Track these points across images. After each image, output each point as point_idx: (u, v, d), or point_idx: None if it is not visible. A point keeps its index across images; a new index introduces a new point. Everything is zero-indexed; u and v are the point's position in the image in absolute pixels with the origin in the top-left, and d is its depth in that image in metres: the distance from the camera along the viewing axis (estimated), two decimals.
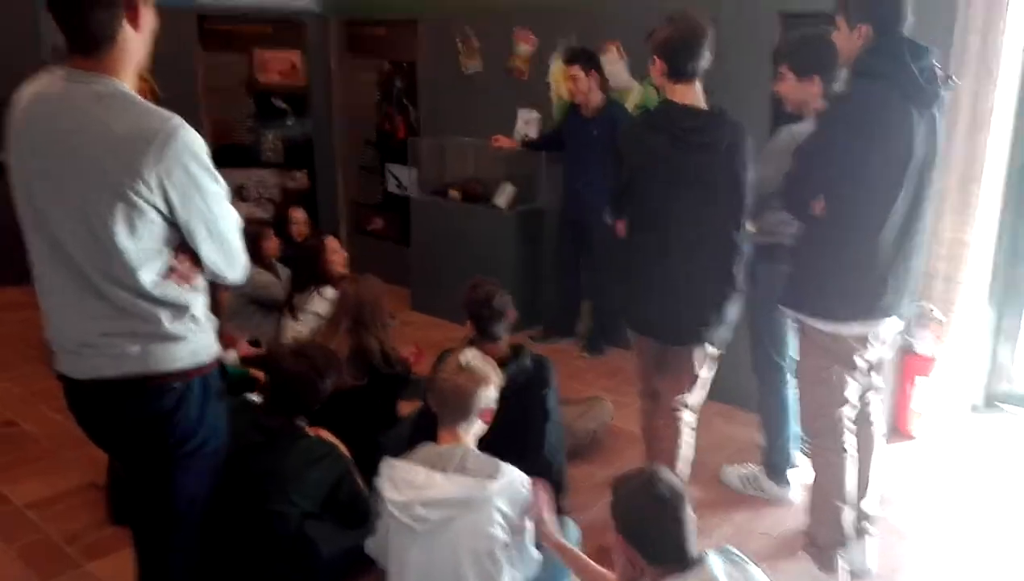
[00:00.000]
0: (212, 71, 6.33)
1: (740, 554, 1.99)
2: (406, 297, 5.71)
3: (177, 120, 1.75)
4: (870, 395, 2.86)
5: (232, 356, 3.81)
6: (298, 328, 3.78)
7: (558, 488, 3.01)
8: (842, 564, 2.73)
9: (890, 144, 2.45)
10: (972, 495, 3.45)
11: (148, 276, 1.79)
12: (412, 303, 5.57)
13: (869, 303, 2.59)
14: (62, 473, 3.46)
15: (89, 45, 1.73)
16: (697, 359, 2.82)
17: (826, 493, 2.75)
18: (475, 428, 2.38)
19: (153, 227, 1.77)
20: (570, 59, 4.56)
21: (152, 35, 1.84)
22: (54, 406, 4.06)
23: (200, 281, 1.92)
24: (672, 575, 1.85)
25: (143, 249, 1.77)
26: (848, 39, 2.52)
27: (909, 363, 3.84)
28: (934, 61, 2.46)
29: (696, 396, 2.92)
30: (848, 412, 2.73)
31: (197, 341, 1.91)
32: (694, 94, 2.65)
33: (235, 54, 6.39)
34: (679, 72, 2.63)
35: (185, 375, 1.89)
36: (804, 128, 2.87)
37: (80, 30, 1.72)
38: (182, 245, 1.83)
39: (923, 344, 3.80)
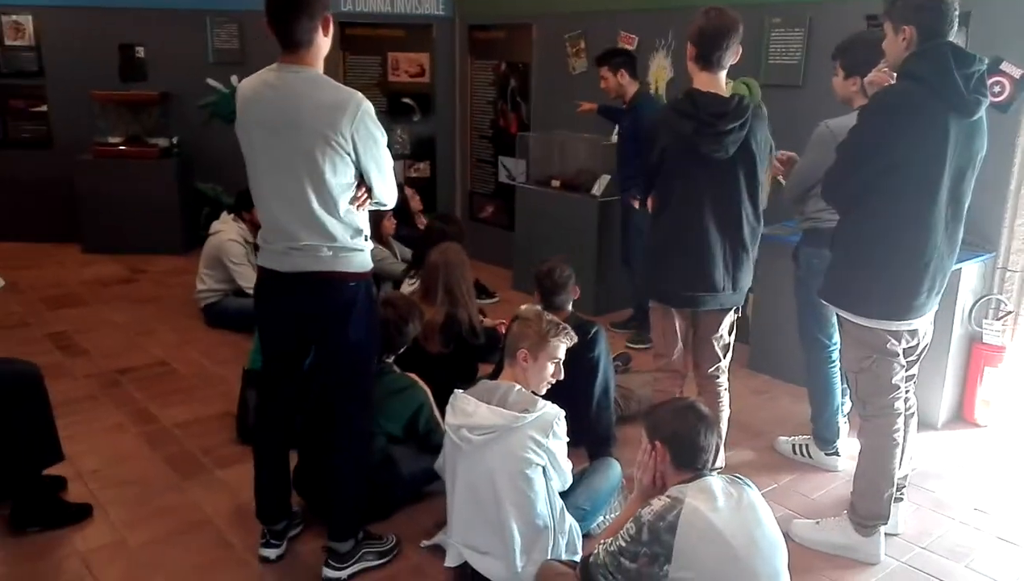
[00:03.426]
0: (352, 71, 7.06)
1: (744, 478, 2.24)
2: (509, 278, 6.17)
3: (359, 94, 2.44)
4: (909, 383, 2.97)
5: None
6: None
7: (606, 439, 3.35)
8: (880, 535, 2.88)
9: (923, 147, 2.49)
10: None
11: (343, 205, 2.50)
12: (513, 283, 6.01)
13: (906, 303, 2.66)
14: (202, 402, 4.09)
15: (295, 46, 2.42)
16: (727, 323, 3.07)
17: (872, 475, 2.87)
18: (522, 369, 2.68)
19: (347, 168, 2.48)
20: (598, 61, 4.84)
21: (332, 39, 2.49)
22: (200, 351, 4.80)
23: (368, 207, 2.61)
24: (683, 483, 2.15)
25: (339, 184, 2.47)
26: (894, 43, 2.57)
27: (977, 352, 3.90)
28: (984, 69, 2.46)
29: (727, 359, 3.14)
30: (899, 404, 2.81)
31: (365, 254, 2.62)
32: (717, 83, 2.87)
33: (371, 56, 7.11)
34: (706, 61, 2.85)
35: (357, 277, 2.60)
36: (840, 122, 3.03)
37: (290, 35, 2.40)
38: (360, 182, 2.54)
39: (993, 334, 3.86)
